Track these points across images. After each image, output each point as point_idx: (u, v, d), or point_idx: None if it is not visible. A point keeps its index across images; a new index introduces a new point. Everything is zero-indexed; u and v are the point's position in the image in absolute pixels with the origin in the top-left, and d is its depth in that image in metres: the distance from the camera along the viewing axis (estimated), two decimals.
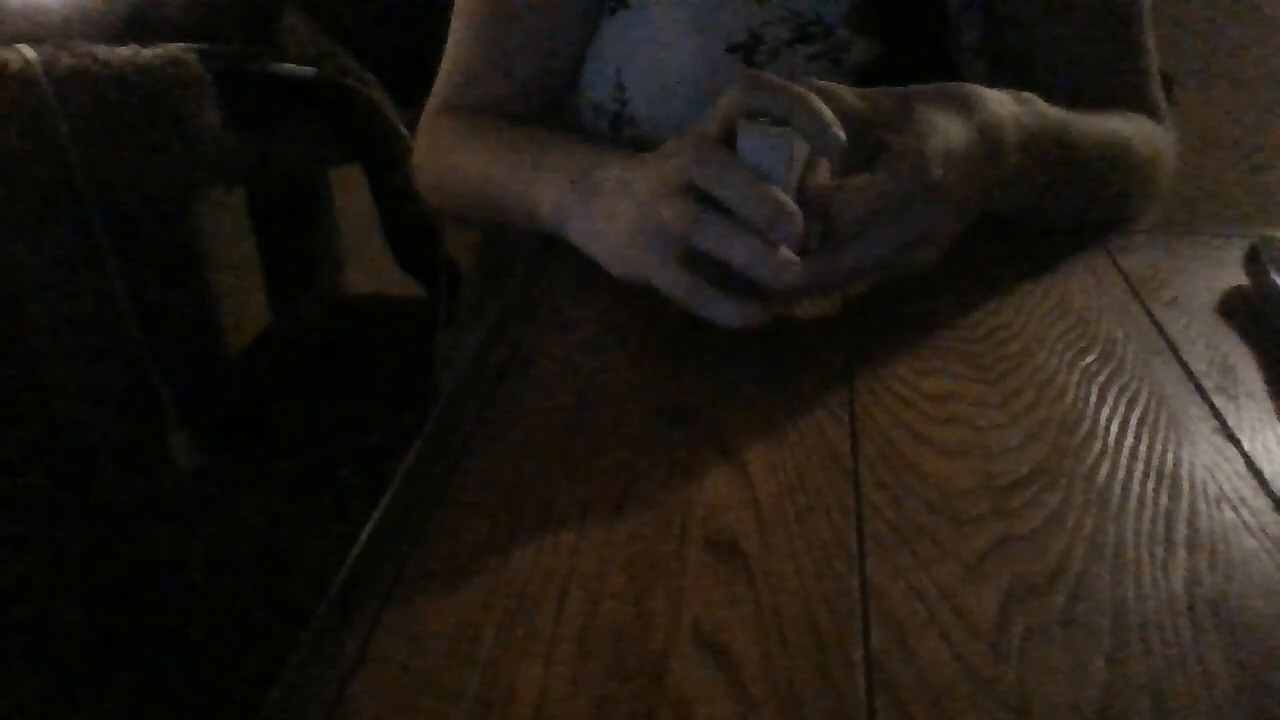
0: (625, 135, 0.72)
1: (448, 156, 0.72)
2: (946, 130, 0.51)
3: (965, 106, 0.53)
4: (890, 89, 0.54)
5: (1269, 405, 0.48)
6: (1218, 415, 0.47)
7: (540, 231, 0.63)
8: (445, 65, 0.75)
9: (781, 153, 0.49)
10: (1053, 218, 0.64)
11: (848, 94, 0.52)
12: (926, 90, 0.54)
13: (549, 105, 0.74)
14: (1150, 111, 0.72)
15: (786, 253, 0.48)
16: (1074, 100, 0.62)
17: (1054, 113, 0.59)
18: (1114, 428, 0.45)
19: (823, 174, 0.50)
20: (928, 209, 0.50)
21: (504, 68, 0.72)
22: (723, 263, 0.49)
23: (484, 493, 0.41)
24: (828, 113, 0.49)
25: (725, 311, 0.50)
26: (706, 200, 0.49)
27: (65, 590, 0.98)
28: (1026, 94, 0.58)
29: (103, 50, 0.90)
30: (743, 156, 0.49)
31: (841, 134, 0.49)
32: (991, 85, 0.56)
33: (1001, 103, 0.55)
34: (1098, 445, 0.44)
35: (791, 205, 0.48)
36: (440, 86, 0.76)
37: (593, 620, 0.34)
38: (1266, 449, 0.44)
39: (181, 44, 0.94)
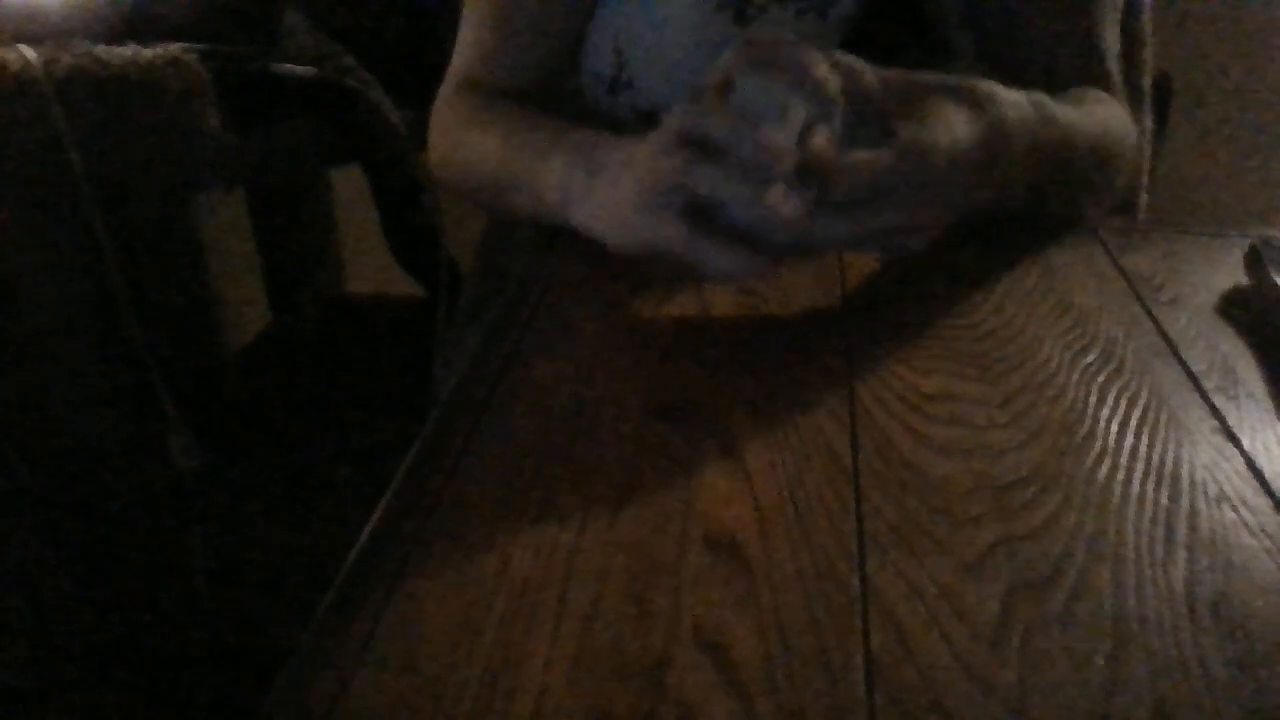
0: (622, 99, 0.74)
1: (460, 135, 0.73)
2: (954, 127, 0.52)
3: (979, 105, 0.54)
4: (911, 74, 0.54)
5: (1269, 405, 0.48)
6: (1218, 415, 0.47)
7: (545, 217, 0.63)
8: (459, 47, 0.77)
9: (775, 99, 0.48)
10: (1032, 210, 0.66)
11: (867, 72, 0.52)
12: (946, 82, 0.54)
13: (556, 78, 0.76)
14: (1107, 88, 0.73)
15: (781, 188, 0.47)
16: (1049, 73, 0.63)
17: (1062, 116, 0.60)
18: (1114, 428, 0.45)
19: (822, 141, 0.50)
20: (921, 203, 0.51)
21: (515, 47, 0.74)
22: (727, 227, 0.49)
23: (484, 493, 0.41)
24: (824, 72, 0.49)
25: (725, 261, 0.49)
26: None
27: (65, 590, 0.98)
28: (1040, 96, 0.59)
29: (103, 50, 0.90)
30: (739, 103, 0.49)
31: (838, 95, 0.49)
32: (979, 56, 0.56)
33: (1016, 106, 0.56)
34: (1098, 445, 0.44)
35: (784, 142, 0.47)
36: (455, 67, 0.77)
37: (593, 620, 0.34)
38: (1266, 449, 0.44)
39: (181, 44, 0.94)
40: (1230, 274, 0.60)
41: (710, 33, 0.68)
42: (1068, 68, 0.68)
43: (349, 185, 1.41)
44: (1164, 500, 0.40)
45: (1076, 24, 0.71)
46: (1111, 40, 0.73)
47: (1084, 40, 0.72)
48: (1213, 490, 0.41)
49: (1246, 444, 0.44)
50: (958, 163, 0.51)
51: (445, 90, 0.77)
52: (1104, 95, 0.70)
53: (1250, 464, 0.43)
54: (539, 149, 0.64)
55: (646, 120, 0.72)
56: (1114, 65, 0.74)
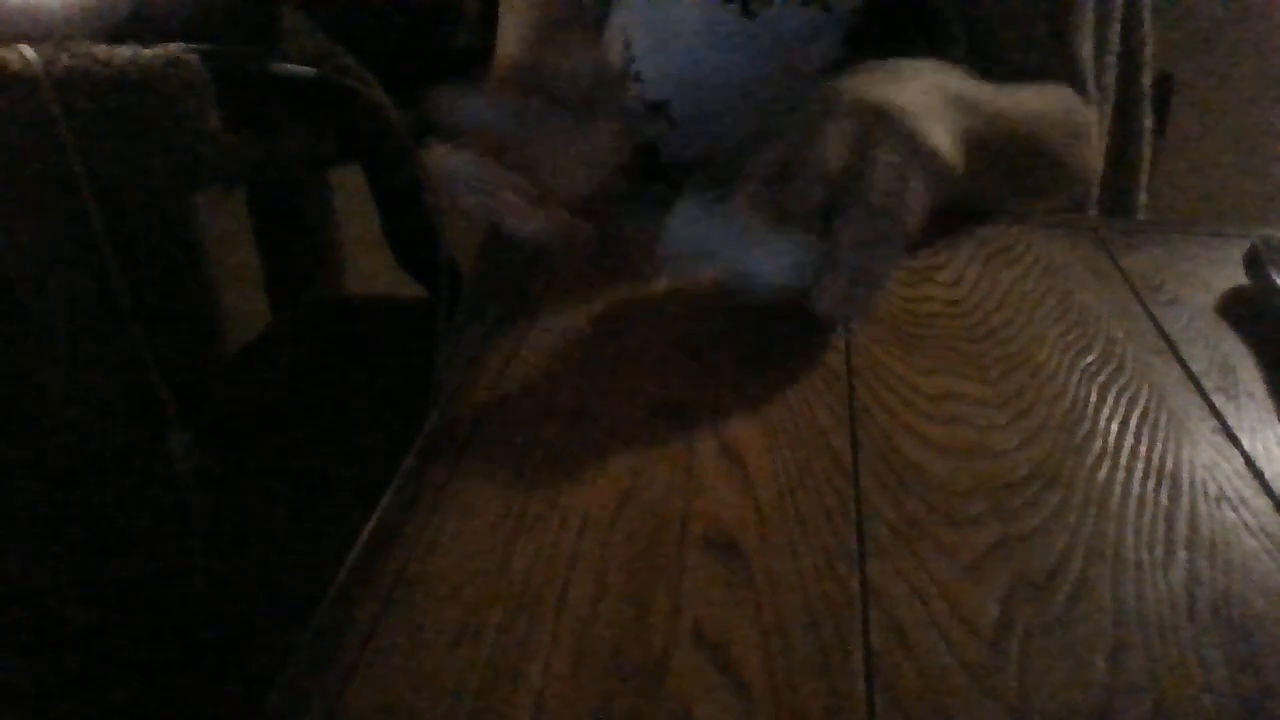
0: (631, 91, 0.75)
1: None
2: (821, 137, 0.50)
3: (829, 109, 0.52)
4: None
5: (1269, 405, 0.48)
6: (1218, 415, 0.47)
7: None
8: (498, 54, 0.82)
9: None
10: (975, 199, 0.66)
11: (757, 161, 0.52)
12: (807, 109, 0.53)
13: None
14: (1079, 91, 0.73)
15: None
16: (1019, 75, 0.65)
17: (975, 94, 0.59)
18: (1114, 428, 0.45)
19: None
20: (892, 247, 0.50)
21: (551, 43, 0.77)
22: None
23: (484, 493, 0.41)
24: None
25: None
26: None
27: (65, 591, 0.98)
28: (947, 66, 0.58)
29: (103, 50, 0.90)
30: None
31: None
32: (969, 46, 0.56)
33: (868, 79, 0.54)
34: (1098, 445, 0.44)
35: None
36: (494, 73, 0.81)
37: (593, 620, 0.34)
38: (1266, 449, 0.44)
39: (181, 44, 0.94)
40: (1230, 274, 0.60)
41: (717, 26, 0.69)
42: (1038, 69, 0.69)
43: (349, 185, 1.41)
44: (1164, 500, 0.40)
45: (1049, 27, 0.72)
46: (1085, 47, 0.74)
47: (1056, 43, 0.73)
48: (1213, 490, 0.41)
49: (1246, 444, 0.44)
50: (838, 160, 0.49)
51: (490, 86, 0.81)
52: (1051, 86, 0.70)
53: (1250, 464, 0.43)
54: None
55: (655, 111, 0.73)
56: (1088, 70, 0.75)
